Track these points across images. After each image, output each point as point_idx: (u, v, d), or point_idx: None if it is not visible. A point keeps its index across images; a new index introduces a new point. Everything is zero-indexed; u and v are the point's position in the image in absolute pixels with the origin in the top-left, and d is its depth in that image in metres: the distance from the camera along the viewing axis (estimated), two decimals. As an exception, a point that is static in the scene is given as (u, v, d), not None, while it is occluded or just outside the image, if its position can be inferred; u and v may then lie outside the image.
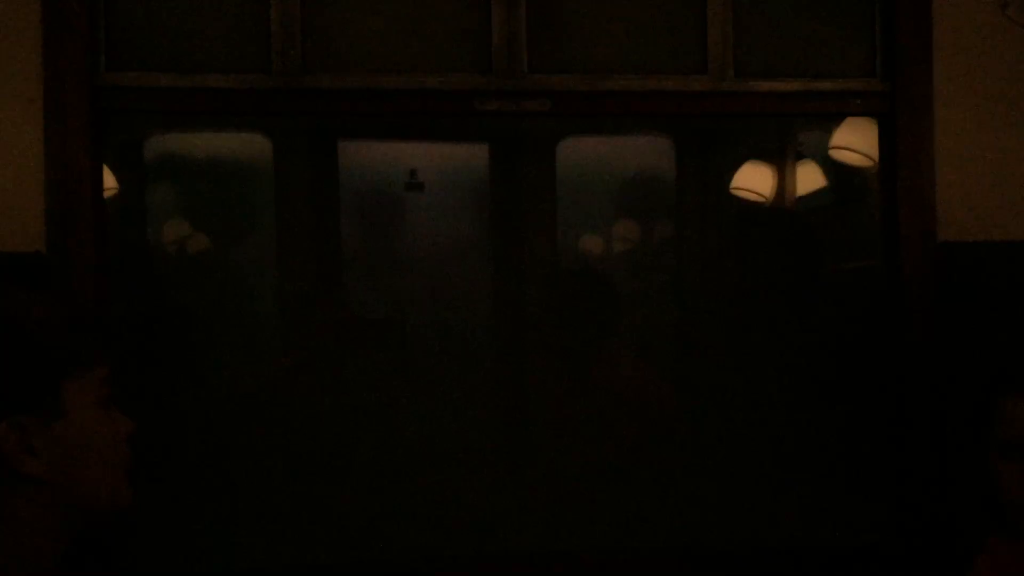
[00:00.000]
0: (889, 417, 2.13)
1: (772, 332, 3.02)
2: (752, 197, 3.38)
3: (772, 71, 2.11)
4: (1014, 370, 1.53)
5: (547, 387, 2.99)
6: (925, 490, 2.06)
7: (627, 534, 2.45)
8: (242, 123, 3.18)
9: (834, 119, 2.75)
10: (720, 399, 2.94)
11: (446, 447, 3.00)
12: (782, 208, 3.36)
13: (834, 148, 2.84)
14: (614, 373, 2.75)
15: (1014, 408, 1.48)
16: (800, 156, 3.30)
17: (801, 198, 3.31)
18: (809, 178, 3.27)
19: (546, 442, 2.90)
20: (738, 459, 2.79)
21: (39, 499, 1.05)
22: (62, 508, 1.06)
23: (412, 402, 3.05)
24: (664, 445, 2.73)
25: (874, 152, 2.26)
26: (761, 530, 2.41)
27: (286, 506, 2.73)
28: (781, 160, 3.35)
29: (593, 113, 2.12)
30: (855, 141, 2.72)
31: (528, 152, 3.31)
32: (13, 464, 1.03)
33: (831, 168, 3.08)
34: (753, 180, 3.37)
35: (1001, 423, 1.49)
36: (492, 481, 2.84)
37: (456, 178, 3.41)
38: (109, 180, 2.12)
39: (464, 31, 2.05)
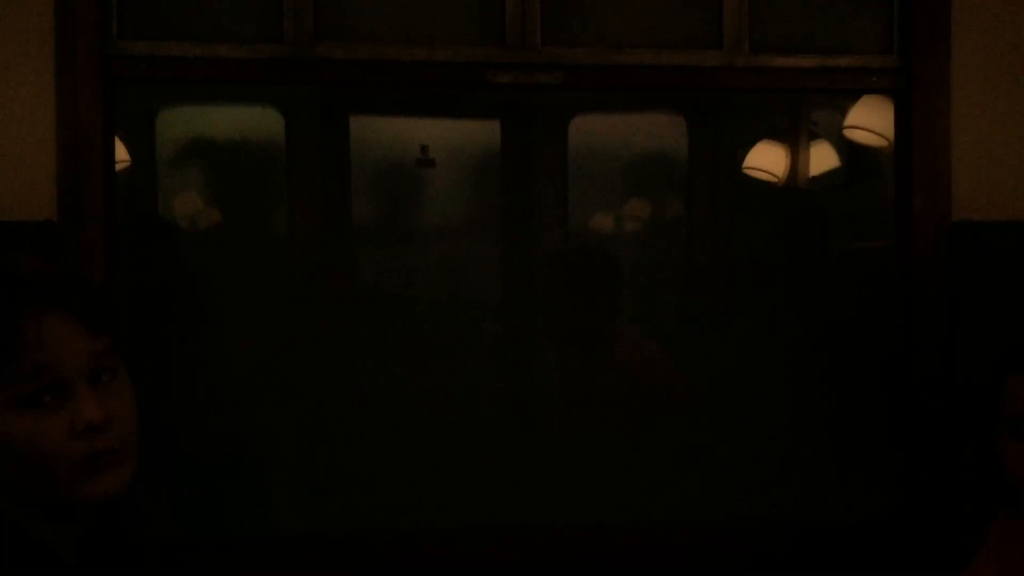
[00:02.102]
0: (901, 397, 2.12)
1: (784, 312, 3.01)
2: (765, 177, 3.36)
3: (787, 47, 2.09)
4: (1022, 348, 1.53)
5: (556, 363, 2.99)
6: (936, 470, 2.05)
7: (635, 509, 2.45)
8: (254, 97, 3.17)
9: (849, 96, 2.73)
10: (730, 378, 2.93)
11: (456, 421, 3.00)
12: (795, 188, 3.34)
13: (848, 128, 2.82)
14: (623, 351, 2.75)
15: (1020, 386, 1.48)
16: (814, 136, 3.28)
17: (815, 178, 3.30)
18: (823, 158, 3.25)
19: (555, 417, 2.90)
20: (747, 438, 2.78)
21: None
22: (16, 504, 1.02)
23: (422, 377, 3.06)
24: (673, 423, 2.72)
25: (889, 132, 2.24)
26: (769, 508, 2.41)
27: (296, 478, 2.74)
28: (795, 140, 3.33)
29: (606, 87, 2.11)
30: (870, 120, 2.70)
31: (540, 129, 3.29)
32: None
33: (845, 148, 3.06)
34: (766, 160, 3.35)
35: (1007, 401, 1.49)
36: (501, 455, 2.84)
37: (467, 154, 3.40)
38: (120, 152, 2.12)
39: (478, 3, 2.04)
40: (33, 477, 1.02)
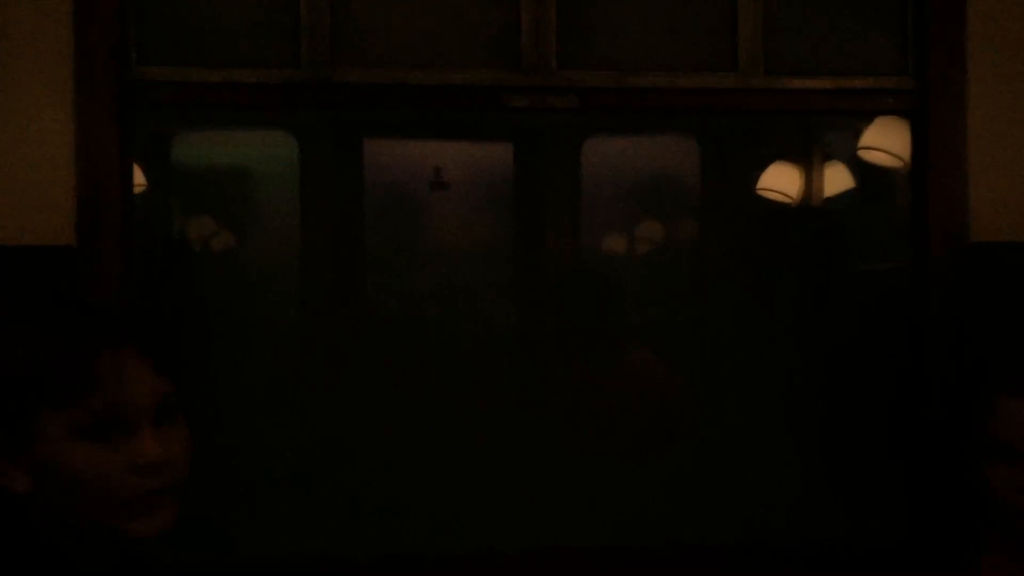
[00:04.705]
0: (915, 420, 2.11)
1: (798, 334, 3.00)
2: (779, 198, 3.35)
3: (802, 69, 2.10)
4: (1009, 369, 1.50)
5: (568, 386, 2.98)
6: (943, 491, 2.04)
7: (643, 530, 2.44)
8: (269, 121, 3.19)
9: (865, 118, 2.73)
10: (743, 400, 2.92)
11: (468, 444, 2.99)
12: (809, 209, 3.34)
13: (863, 148, 2.81)
14: (635, 373, 2.74)
15: (1006, 407, 1.45)
16: (828, 156, 3.27)
17: (829, 199, 3.29)
18: (838, 179, 3.24)
19: (565, 440, 2.89)
20: (758, 458, 2.77)
21: (43, 521, 1.04)
22: (65, 531, 1.04)
23: (434, 400, 3.05)
24: (684, 444, 2.71)
25: (904, 152, 2.24)
26: (775, 527, 2.40)
27: (305, 499, 2.73)
28: (809, 160, 3.33)
29: (621, 110, 2.11)
30: (885, 141, 2.69)
31: (553, 151, 3.30)
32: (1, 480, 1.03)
33: (860, 169, 3.06)
34: (780, 181, 3.34)
35: (998, 423, 1.46)
36: (510, 477, 2.83)
37: (481, 177, 3.40)
38: (137, 176, 2.14)
39: (493, 26, 2.05)
40: (84, 505, 1.04)
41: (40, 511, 1.05)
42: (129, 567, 1.10)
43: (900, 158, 2.58)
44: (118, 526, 1.04)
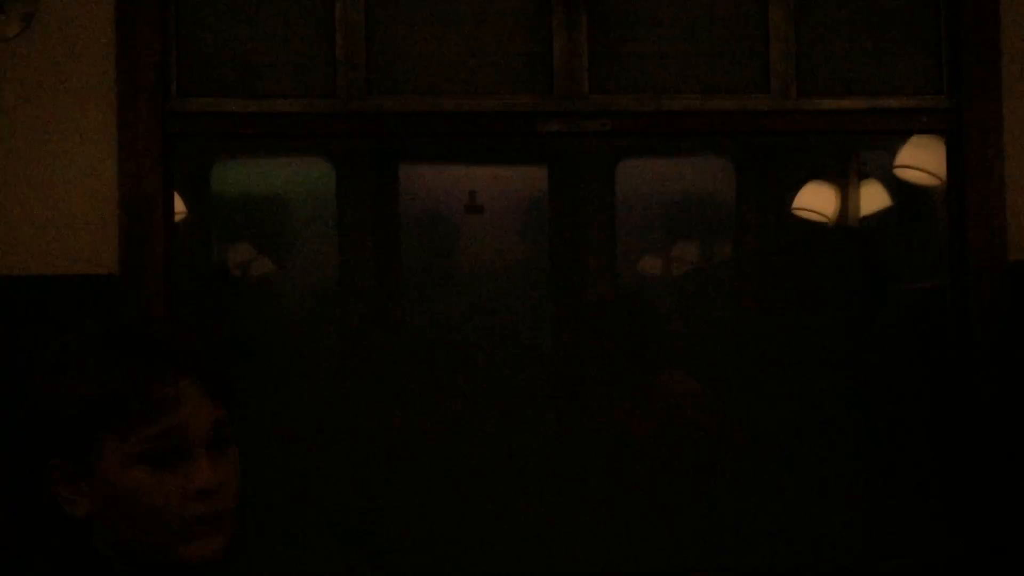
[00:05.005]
0: (957, 439, 2.08)
1: (836, 353, 2.97)
2: (815, 218, 3.34)
3: (836, 89, 2.10)
4: None
5: (605, 408, 2.97)
6: (992, 517, 2.01)
7: (681, 555, 2.42)
8: (306, 148, 3.23)
9: (900, 136, 2.72)
10: (781, 421, 2.90)
11: (505, 466, 2.99)
12: (846, 228, 3.32)
13: (899, 167, 2.80)
14: (672, 395, 2.73)
15: None
16: (864, 175, 3.25)
17: (865, 218, 3.27)
18: (874, 198, 3.22)
19: (603, 462, 2.89)
20: (801, 481, 2.74)
21: (101, 545, 1.07)
22: (120, 555, 1.07)
23: (470, 422, 3.06)
24: (722, 467, 2.69)
25: (941, 170, 2.22)
26: (821, 554, 2.37)
27: (346, 522, 2.74)
28: (844, 179, 3.31)
29: (654, 133, 2.13)
30: (922, 159, 2.68)
31: (587, 174, 3.31)
32: (59, 501, 1.06)
33: (896, 187, 3.04)
34: (816, 200, 3.33)
35: None
36: (548, 500, 2.83)
37: (515, 200, 3.42)
38: (178, 204, 2.18)
39: (525, 53, 2.07)
40: (140, 531, 1.05)
41: (99, 536, 1.07)
42: None
43: (936, 176, 2.56)
44: (172, 551, 1.06)
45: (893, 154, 2.83)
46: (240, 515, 1.09)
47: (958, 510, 2.08)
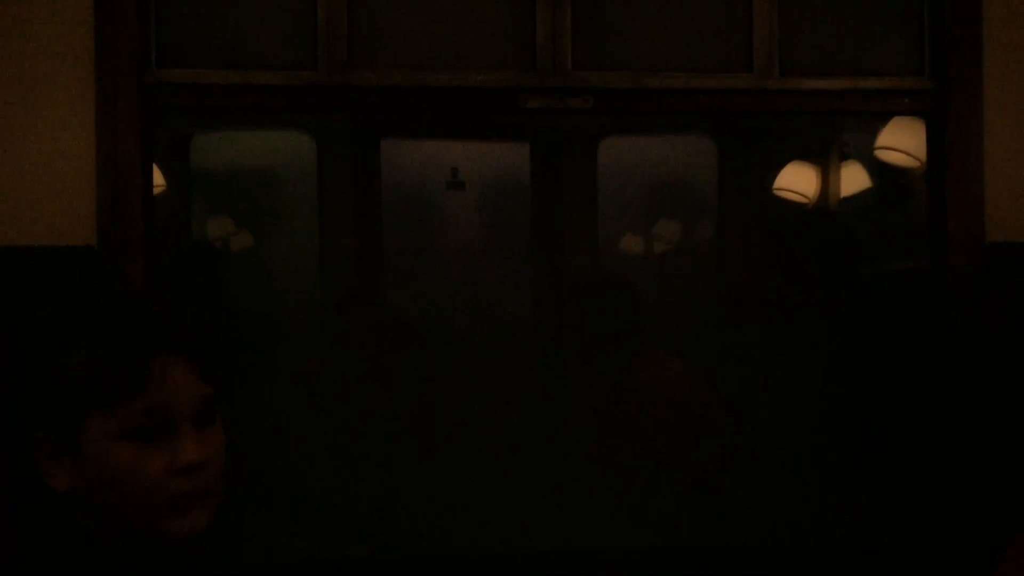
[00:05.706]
0: (934, 418, 2.11)
1: (815, 334, 2.99)
2: (795, 198, 3.35)
3: (818, 69, 2.09)
4: None
5: (585, 386, 2.99)
6: (960, 489, 2.04)
7: (660, 531, 2.44)
8: (287, 122, 3.21)
9: (881, 118, 2.72)
10: (760, 400, 2.92)
11: (485, 444, 3.01)
12: (826, 209, 3.33)
13: (880, 148, 2.81)
14: (652, 374, 2.74)
15: None
16: (845, 156, 3.27)
17: (846, 199, 3.28)
18: (854, 179, 3.23)
19: (583, 440, 2.90)
20: (776, 459, 2.77)
21: (86, 519, 1.07)
22: (104, 529, 1.07)
23: (452, 399, 3.07)
24: (701, 445, 2.71)
25: (921, 152, 2.23)
26: (794, 528, 2.40)
27: (326, 501, 2.75)
28: (825, 160, 3.32)
29: (637, 111, 2.12)
30: (902, 141, 2.69)
31: (570, 152, 3.31)
32: (41, 475, 1.06)
33: (877, 168, 3.05)
34: (797, 181, 3.34)
35: None
36: (529, 478, 2.84)
37: (497, 177, 3.42)
38: (157, 177, 2.16)
39: (509, 29, 2.06)
40: (125, 507, 1.06)
41: (84, 511, 1.07)
42: (169, 567, 1.12)
43: (917, 158, 2.57)
44: (155, 526, 1.06)
45: (874, 135, 2.84)
46: (225, 490, 1.10)
47: (929, 486, 2.11)
